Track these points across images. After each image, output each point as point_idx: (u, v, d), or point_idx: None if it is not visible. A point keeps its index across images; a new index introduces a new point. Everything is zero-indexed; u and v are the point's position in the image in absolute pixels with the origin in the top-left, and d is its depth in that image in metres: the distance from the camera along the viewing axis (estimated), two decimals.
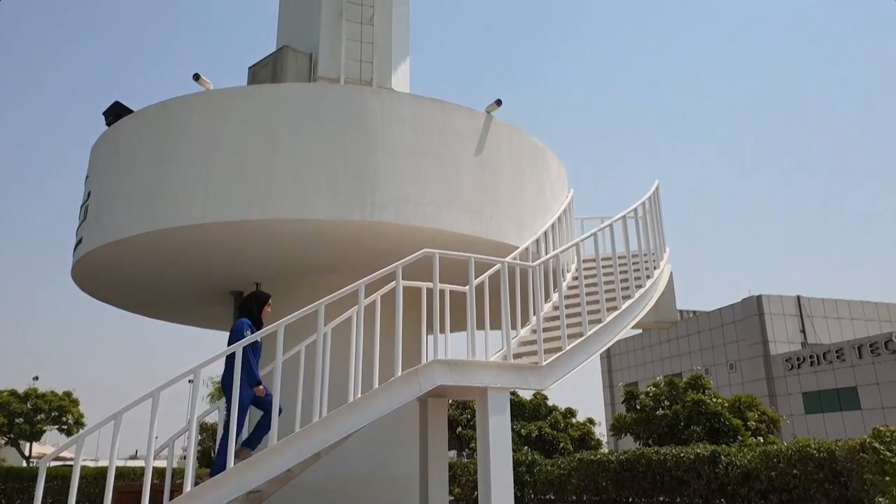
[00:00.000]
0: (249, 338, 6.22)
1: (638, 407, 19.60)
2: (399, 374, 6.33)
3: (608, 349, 8.22)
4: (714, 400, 18.15)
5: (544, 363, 7.12)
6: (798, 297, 38.85)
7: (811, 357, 34.73)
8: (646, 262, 9.31)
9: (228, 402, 5.94)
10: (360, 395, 6.18)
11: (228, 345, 6.37)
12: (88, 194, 9.44)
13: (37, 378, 34.42)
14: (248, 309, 6.71)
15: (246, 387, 6.17)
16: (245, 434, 6.49)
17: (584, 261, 9.05)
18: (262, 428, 6.36)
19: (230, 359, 6.12)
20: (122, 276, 10.12)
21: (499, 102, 9.70)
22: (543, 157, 10.43)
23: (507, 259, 7.44)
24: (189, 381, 6.31)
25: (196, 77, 8.77)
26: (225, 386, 6.17)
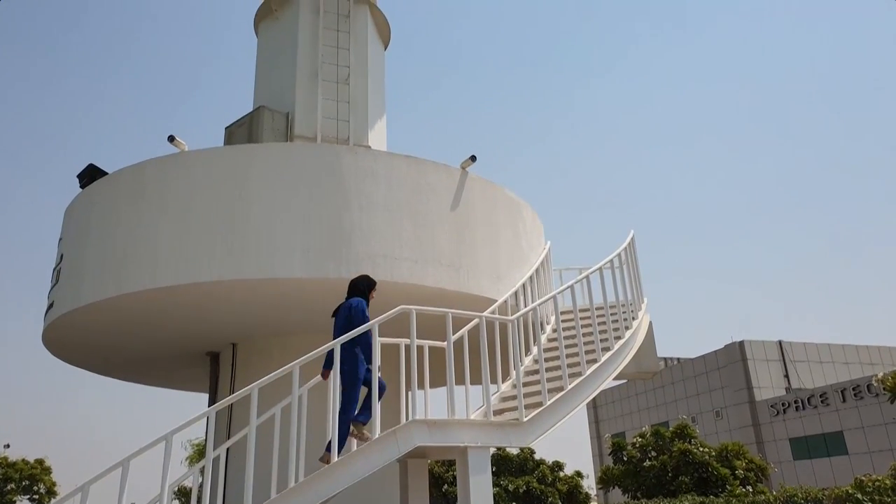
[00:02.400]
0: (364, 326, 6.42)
1: (625, 458, 19.34)
2: (377, 435, 6.19)
3: (594, 399, 8.15)
4: (701, 449, 17.98)
5: (525, 419, 7.02)
6: (780, 342, 39.00)
7: (796, 402, 34.66)
8: (624, 312, 9.32)
9: (344, 379, 6.28)
10: (337, 459, 6.02)
11: (340, 320, 6.61)
12: (61, 257, 9.32)
13: (8, 446, 33.30)
14: (359, 290, 6.88)
15: (364, 363, 6.40)
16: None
17: (563, 312, 9.03)
18: (369, 406, 6.39)
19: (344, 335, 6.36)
20: (95, 339, 9.91)
21: (473, 158, 9.83)
22: (518, 209, 10.52)
23: (486, 313, 7.41)
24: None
25: (171, 139, 8.81)
26: (345, 362, 6.28)
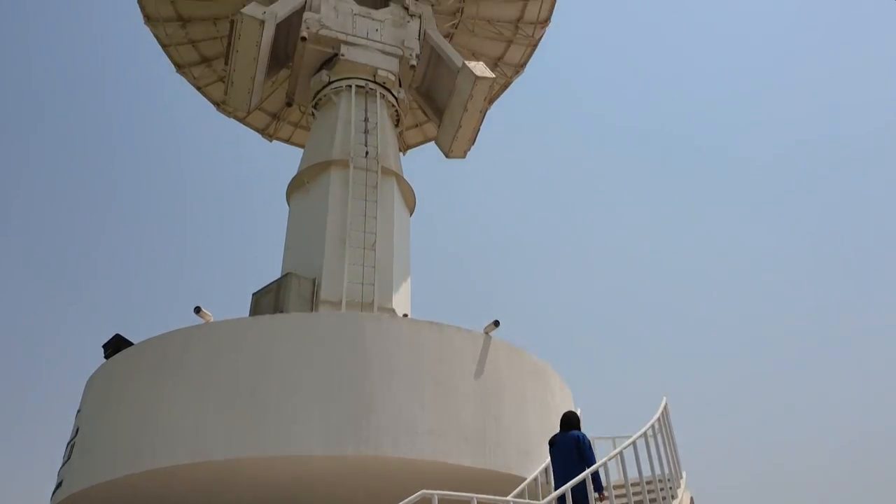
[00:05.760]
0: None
1: None
2: None
3: None
4: None
5: None
6: None
7: None
8: (662, 489, 8.68)
9: None
10: None
11: (567, 452, 7.28)
12: (77, 430, 9.14)
13: None
14: (574, 424, 7.58)
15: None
16: None
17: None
18: None
19: (569, 468, 7.10)
20: None
21: (496, 323, 9.71)
22: (546, 376, 10.22)
23: (512, 497, 6.93)
24: None
25: (197, 310, 8.92)
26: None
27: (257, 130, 18.82)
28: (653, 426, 9.11)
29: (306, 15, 13.77)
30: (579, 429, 7.63)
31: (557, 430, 9.83)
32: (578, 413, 8.20)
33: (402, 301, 12.56)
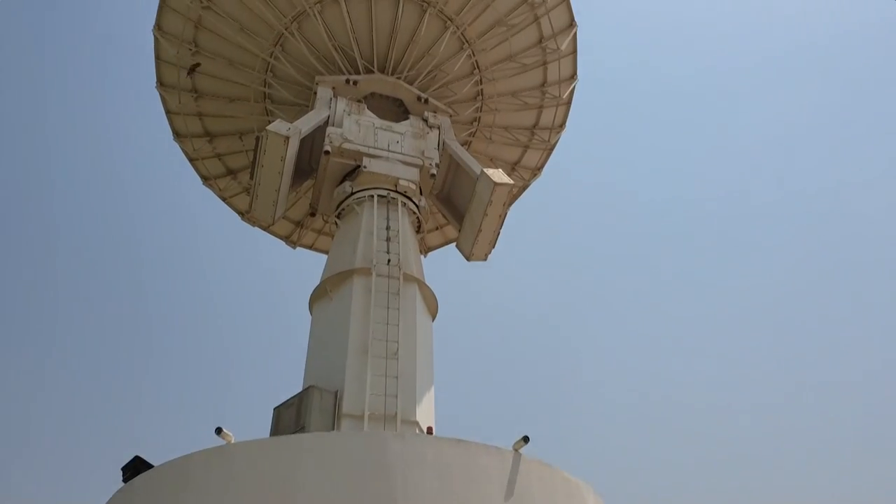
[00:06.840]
0: None
1: None
2: None
3: None
4: None
5: None
6: None
7: None
8: None
9: None
10: None
11: None
12: None
13: None
14: None
15: None
16: None
17: None
18: None
19: None
20: None
21: (526, 439, 9.36)
22: (580, 493, 9.73)
23: None
24: None
25: (218, 431, 8.74)
26: None
27: (281, 238, 19.16)
28: None
29: (329, 130, 14.27)
30: None
31: None
32: None
33: (425, 412, 12.24)
